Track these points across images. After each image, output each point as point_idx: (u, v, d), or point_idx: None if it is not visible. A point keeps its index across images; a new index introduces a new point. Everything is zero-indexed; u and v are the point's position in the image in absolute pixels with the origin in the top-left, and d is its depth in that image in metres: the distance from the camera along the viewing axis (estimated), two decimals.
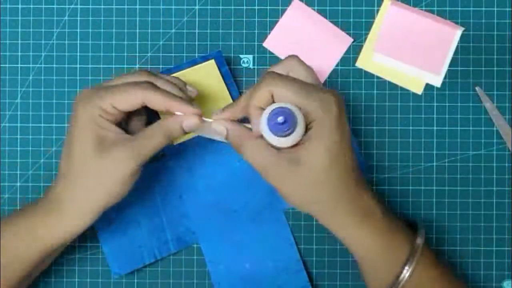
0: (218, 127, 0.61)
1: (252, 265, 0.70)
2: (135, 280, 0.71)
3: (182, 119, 0.61)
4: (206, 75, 0.69)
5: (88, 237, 0.71)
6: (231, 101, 0.69)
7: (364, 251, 0.61)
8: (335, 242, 0.71)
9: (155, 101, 0.60)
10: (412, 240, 0.61)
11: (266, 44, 0.72)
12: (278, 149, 0.59)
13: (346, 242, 0.62)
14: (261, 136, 0.59)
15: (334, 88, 0.64)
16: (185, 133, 0.62)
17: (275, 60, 0.72)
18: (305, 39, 0.72)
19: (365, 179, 0.62)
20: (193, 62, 0.70)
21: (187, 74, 0.69)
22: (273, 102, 0.58)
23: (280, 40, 0.72)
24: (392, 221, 0.62)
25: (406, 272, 0.60)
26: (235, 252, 0.70)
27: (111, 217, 0.70)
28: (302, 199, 0.59)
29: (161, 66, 0.71)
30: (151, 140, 0.61)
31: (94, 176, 0.61)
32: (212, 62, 0.70)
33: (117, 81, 0.63)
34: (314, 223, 0.71)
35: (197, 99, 0.66)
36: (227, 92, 0.70)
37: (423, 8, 0.71)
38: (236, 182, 0.70)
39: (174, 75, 0.68)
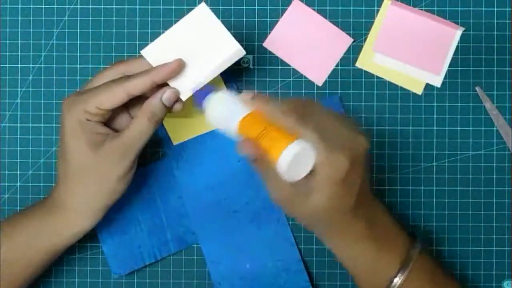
0: (245, 149, 0.59)
1: (252, 265, 0.70)
2: (135, 280, 0.71)
3: (160, 95, 0.62)
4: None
5: (88, 237, 0.71)
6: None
7: (355, 268, 0.63)
8: None
9: (137, 85, 0.61)
10: (407, 254, 0.62)
11: (266, 44, 0.72)
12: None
13: (340, 259, 0.63)
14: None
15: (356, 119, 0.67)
16: (168, 108, 0.63)
17: (275, 60, 0.72)
18: (305, 39, 0.72)
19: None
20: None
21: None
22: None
23: (280, 40, 0.72)
24: (387, 238, 0.63)
25: (394, 285, 0.61)
26: (236, 252, 0.70)
27: (111, 218, 0.70)
28: (307, 225, 0.62)
29: None
30: (138, 129, 0.62)
31: (92, 178, 0.62)
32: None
33: (96, 80, 0.63)
34: None
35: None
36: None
37: (423, 8, 0.71)
38: (236, 183, 0.70)
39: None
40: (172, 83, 0.63)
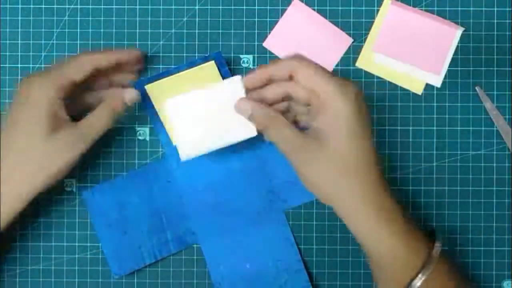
0: (243, 105, 0.62)
1: (252, 265, 0.70)
2: (135, 280, 0.71)
3: (123, 94, 0.65)
4: (206, 76, 0.69)
5: (88, 237, 0.71)
6: None
7: (382, 253, 0.60)
8: (335, 242, 0.71)
9: (104, 58, 0.64)
10: (429, 248, 0.60)
11: (266, 44, 0.72)
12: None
13: (364, 241, 0.60)
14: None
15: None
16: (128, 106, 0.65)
17: None
18: (305, 39, 0.72)
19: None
20: (193, 63, 0.70)
21: (187, 75, 0.69)
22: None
23: (280, 40, 0.72)
24: (412, 227, 0.61)
25: (419, 280, 0.59)
26: (236, 252, 0.70)
27: (111, 218, 0.70)
28: (325, 188, 0.60)
29: (161, 66, 0.71)
30: (97, 122, 0.63)
31: (39, 159, 0.61)
32: (212, 63, 0.70)
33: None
34: (314, 223, 0.71)
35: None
36: None
37: (423, 8, 0.72)
38: (236, 183, 0.70)
39: (173, 76, 0.69)
40: (177, 139, 0.64)
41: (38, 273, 0.71)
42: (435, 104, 0.71)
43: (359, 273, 0.71)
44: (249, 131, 0.63)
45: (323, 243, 0.71)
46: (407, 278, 0.59)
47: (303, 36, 0.72)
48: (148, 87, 0.70)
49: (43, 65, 0.72)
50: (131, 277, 0.71)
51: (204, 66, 0.70)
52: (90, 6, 0.72)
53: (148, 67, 0.71)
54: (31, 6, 0.72)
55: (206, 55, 0.71)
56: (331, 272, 0.71)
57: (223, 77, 0.70)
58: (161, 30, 0.72)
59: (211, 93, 0.64)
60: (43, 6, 0.72)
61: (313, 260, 0.71)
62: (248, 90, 0.62)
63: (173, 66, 0.71)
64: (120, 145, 0.71)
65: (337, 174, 0.59)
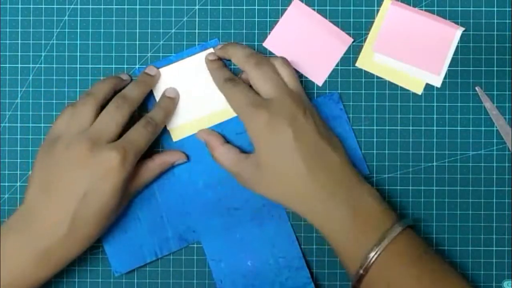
0: (200, 136, 0.70)
1: (254, 262, 0.70)
2: (135, 280, 0.71)
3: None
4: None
5: None
6: None
7: (332, 237, 0.64)
8: None
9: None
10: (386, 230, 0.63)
11: (266, 44, 0.72)
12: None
13: (317, 224, 0.65)
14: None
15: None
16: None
17: None
18: (305, 39, 0.72)
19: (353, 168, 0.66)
20: (193, 51, 0.70)
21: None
22: None
23: (280, 40, 0.72)
24: (368, 213, 0.63)
25: (371, 259, 0.61)
26: (237, 249, 0.70)
27: None
28: (273, 196, 0.66)
29: None
30: (151, 175, 0.69)
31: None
32: (211, 50, 0.70)
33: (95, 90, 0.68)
34: None
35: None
36: None
37: (423, 8, 0.72)
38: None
39: (173, 64, 0.70)
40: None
41: None
42: (435, 104, 0.71)
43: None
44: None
45: (323, 243, 0.71)
46: (362, 252, 0.62)
47: (303, 36, 0.72)
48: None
49: (43, 65, 0.72)
50: (131, 277, 0.71)
51: (203, 54, 0.71)
52: (90, 6, 0.72)
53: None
54: (31, 6, 0.72)
55: (205, 43, 0.71)
56: (331, 272, 0.71)
57: None
58: (161, 30, 0.72)
59: (187, 64, 0.70)
60: (43, 6, 0.72)
61: (313, 260, 0.71)
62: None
63: (173, 55, 0.71)
64: None
65: (276, 184, 0.65)
